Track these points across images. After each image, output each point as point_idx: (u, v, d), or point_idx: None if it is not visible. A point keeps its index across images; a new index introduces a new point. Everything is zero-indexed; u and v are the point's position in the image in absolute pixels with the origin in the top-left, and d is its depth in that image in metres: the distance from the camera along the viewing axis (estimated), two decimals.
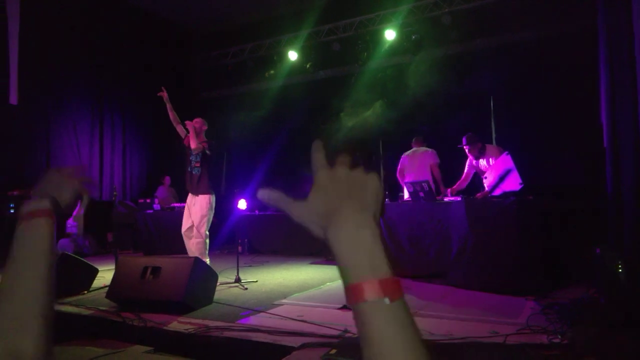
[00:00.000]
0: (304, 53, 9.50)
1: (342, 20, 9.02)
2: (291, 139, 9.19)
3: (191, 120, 5.53)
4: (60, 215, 0.87)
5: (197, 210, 5.43)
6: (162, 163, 9.89)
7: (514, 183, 4.54)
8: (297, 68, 9.64)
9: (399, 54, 8.62)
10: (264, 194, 0.63)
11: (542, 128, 7.07)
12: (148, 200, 8.33)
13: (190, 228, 5.47)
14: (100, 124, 9.24)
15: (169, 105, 5.63)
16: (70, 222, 8.23)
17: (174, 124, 5.67)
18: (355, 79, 8.86)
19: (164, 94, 5.59)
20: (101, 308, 3.88)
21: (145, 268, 3.90)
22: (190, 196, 5.55)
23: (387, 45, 8.64)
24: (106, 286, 4.24)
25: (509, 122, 7.42)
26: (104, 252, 8.19)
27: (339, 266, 0.56)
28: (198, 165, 5.49)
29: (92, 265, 4.86)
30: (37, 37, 7.64)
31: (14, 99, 7.42)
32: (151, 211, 8.12)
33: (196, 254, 5.23)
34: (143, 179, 9.95)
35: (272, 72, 9.96)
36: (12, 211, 7.24)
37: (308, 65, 9.56)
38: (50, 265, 0.78)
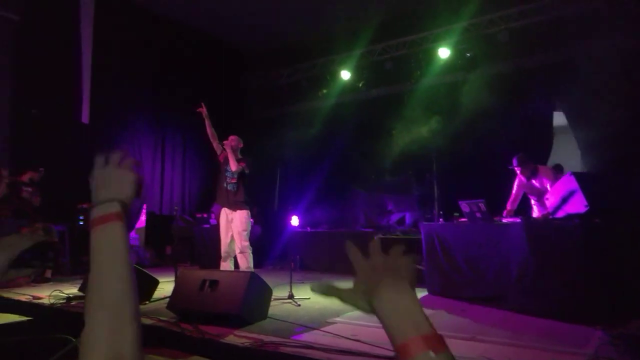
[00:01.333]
0: (356, 72, 9.59)
1: (395, 39, 9.05)
2: (343, 157, 9.25)
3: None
4: (127, 214, 0.84)
5: (237, 225, 5.50)
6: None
7: (578, 205, 4.34)
8: (349, 87, 9.73)
9: (453, 72, 8.53)
10: (314, 287, 0.73)
11: (608, 146, 6.71)
12: (205, 215, 8.60)
13: (230, 244, 5.54)
14: (162, 142, 9.68)
15: (207, 121, 5.78)
16: (132, 234, 8.63)
17: (211, 139, 5.81)
18: (407, 97, 8.83)
19: (203, 110, 5.77)
20: (162, 318, 4.02)
21: (204, 281, 4.02)
22: (226, 211, 5.59)
23: (440, 63, 8.58)
24: (166, 297, 4.40)
25: (569, 140, 7.14)
26: (162, 264, 8.50)
27: (386, 331, 0.65)
28: (234, 181, 5.60)
29: (153, 277, 5.06)
30: (106, 61, 8.16)
31: (85, 118, 7.93)
32: (208, 226, 8.37)
33: (245, 268, 5.38)
34: (200, 195, 10.29)
35: (325, 91, 10.11)
36: (81, 223, 7.69)
37: (360, 84, 9.64)
38: (130, 269, 0.77)
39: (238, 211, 5.53)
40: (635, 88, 6.48)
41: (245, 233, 5.50)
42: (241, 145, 5.77)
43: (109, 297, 0.73)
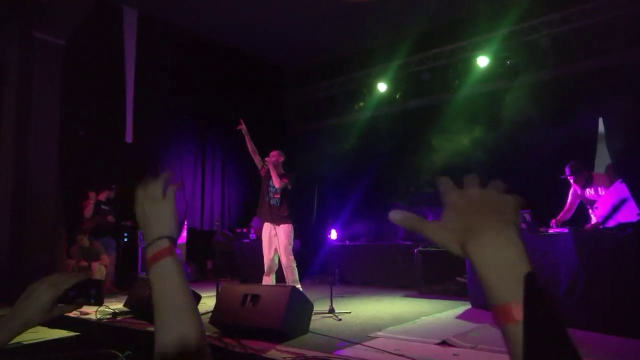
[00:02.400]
0: (393, 84, 9.55)
1: (432, 50, 8.97)
2: (381, 169, 9.18)
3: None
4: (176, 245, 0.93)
5: (282, 239, 5.54)
6: (258, 194, 10.32)
7: (630, 214, 4.15)
8: (386, 99, 9.69)
9: (493, 81, 8.35)
10: (396, 214, 0.64)
11: None
12: (245, 230, 8.70)
13: (273, 259, 5.59)
14: (203, 158, 9.89)
15: (247, 137, 5.91)
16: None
17: (252, 154, 5.91)
18: (446, 108, 8.71)
19: (243, 127, 5.91)
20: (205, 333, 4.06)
21: (245, 296, 4.04)
22: (269, 226, 5.64)
23: (479, 72, 8.42)
24: (208, 312, 4.45)
25: (617, 145, 6.84)
26: (203, 278, 8.64)
27: (482, 283, 0.54)
28: (278, 196, 5.65)
29: (196, 292, 5.13)
30: (148, 81, 8.43)
31: (129, 137, 8.21)
32: (247, 240, 8.45)
33: (291, 282, 5.39)
34: (240, 210, 10.42)
35: (361, 104, 10.10)
36: (126, 239, 7.93)
37: (397, 96, 9.58)
38: (189, 295, 0.85)
39: (282, 225, 5.57)
40: None
41: (290, 247, 5.55)
42: (282, 159, 5.83)
43: (177, 330, 0.81)
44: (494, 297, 0.53)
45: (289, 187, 5.65)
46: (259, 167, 5.88)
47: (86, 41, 7.54)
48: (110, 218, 7.57)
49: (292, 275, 5.50)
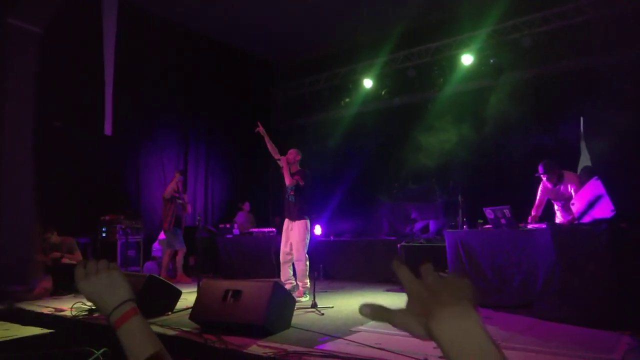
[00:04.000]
0: (379, 80, 9.57)
1: (417, 47, 9.01)
2: (366, 165, 9.21)
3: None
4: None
5: (295, 235, 5.74)
6: (242, 190, 10.28)
7: (605, 210, 4.23)
8: (372, 95, 9.71)
9: (477, 79, 8.43)
10: (364, 309, 0.67)
11: (620, 155, 6.51)
12: (228, 225, 8.65)
13: (288, 253, 5.77)
14: (185, 153, 9.81)
15: (266, 138, 6.03)
16: (155, 245, 8.73)
17: (273, 154, 6.05)
18: (431, 105, 8.77)
19: (261, 129, 6.01)
20: (184, 329, 4.04)
21: (227, 291, 4.02)
22: (287, 222, 5.85)
23: (464, 70, 8.49)
24: (189, 308, 4.42)
25: (597, 145, 6.96)
26: (186, 275, 8.56)
27: (446, 358, 0.57)
28: (293, 193, 5.82)
29: (176, 288, 5.10)
30: (129, 73, 8.27)
31: (109, 130, 8.07)
32: (231, 236, 8.41)
33: (300, 276, 5.68)
34: (224, 205, 10.37)
35: (347, 100, 10.11)
36: (104, 235, 7.81)
37: (383, 92, 9.61)
38: (158, 341, 0.93)
39: (297, 221, 5.76)
40: None
41: (302, 243, 5.71)
42: (299, 157, 5.99)
43: None
44: None
45: (300, 183, 5.78)
46: (280, 165, 5.99)
47: (64, 29, 7.23)
48: (188, 208, 7.85)
49: (301, 272, 5.69)
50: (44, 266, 6.43)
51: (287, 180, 5.81)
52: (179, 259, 7.82)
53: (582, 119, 7.38)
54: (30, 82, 6.89)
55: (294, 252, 5.74)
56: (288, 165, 5.84)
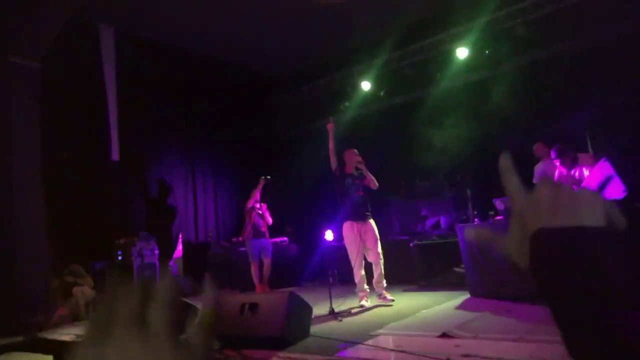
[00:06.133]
0: (377, 82, 9.56)
1: (412, 45, 9.01)
2: (372, 166, 9.16)
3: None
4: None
5: (373, 235, 5.55)
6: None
7: (617, 191, 4.18)
8: (371, 97, 9.70)
9: (473, 71, 8.40)
10: (469, 232, 0.58)
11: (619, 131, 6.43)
12: (240, 239, 8.66)
13: (362, 259, 5.57)
14: (192, 171, 9.84)
15: (331, 136, 5.91)
16: (171, 264, 8.76)
17: (331, 154, 5.89)
18: (430, 101, 8.74)
19: (331, 125, 5.96)
20: None
21: (243, 305, 4.02)
22: (356, 225, 5.56)
23: (460, 64, 8.47)
24: None
25: (606, 125, 6.89)
26: (202, 292, 8.58)
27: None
28: (362, 194, 5.67)
29: (194, 305, 5.10)
30: (131, 97, 8.37)
31: (115, 155, 8.15)
32: (244, 249, 8.41)
33: (382, 278, 5.53)
34: (234, 219, 10.37)
35: (347, 104, 10.11)
36: (120, 258, 7.85)
37: (382, 93, 9.60)
38: None
39: (370, 221, 5.64)
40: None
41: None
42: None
43: None
44: None
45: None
46: (333, 167, 5.83)
47: (63, 62, 7.40)
48: (268, 217, 7.58)
49: (380, 269, 5.52)
50: (60, 294, 6.47)
51: (374, 185, 5.65)
52: (265, 271, 7.50)
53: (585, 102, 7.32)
54: (34, 116, 7.00)
55: (373, 253, 5.50)
56: (364, 167, 5.68)
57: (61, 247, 7.09)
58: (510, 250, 0.52)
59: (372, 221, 5.60)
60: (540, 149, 5.98)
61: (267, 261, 7.42)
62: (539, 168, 6.03)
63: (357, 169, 5.72)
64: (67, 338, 5.04)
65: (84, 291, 6.72)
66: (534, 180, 5.66)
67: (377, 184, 5.65)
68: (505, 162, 0.55)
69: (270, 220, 7.53)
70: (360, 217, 5.56)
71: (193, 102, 9.67)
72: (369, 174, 5.64)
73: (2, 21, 6.73)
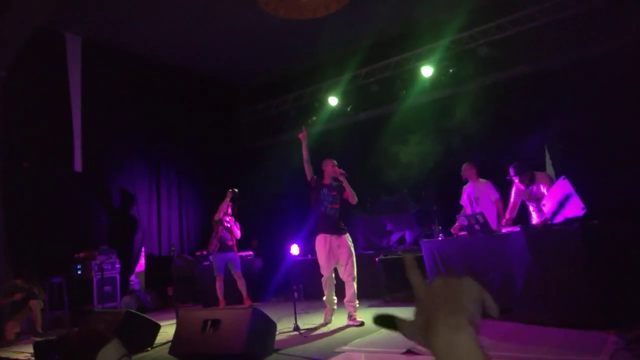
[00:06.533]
0: (344, 97, 9.67)
1: (379, 62, 9.16)
2: (337, 181, 9.21)
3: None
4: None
5: (346, 250, 5.24)
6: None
7: (575, 208, 4.32)
8: (338, 112, 9.79)
9: (438, 89, 8.61)
10: (377, 319, 0.68)
11: (602, 146, 6.67)
12: (205, 252, 8.51)
13: (331, 273, 5.32)
14: (157, 182, 9.64)
15: (304, 144, 5.57)
16: (132, 278, 8.51)
17: (305, 163, 5.56)
18: (395, 117, 8.88)
19: (303, 134, 5.61)
20: None
21: (205, 321, 3.94)
22: (329, 238, 5.28)
23: (425, 82, 8.66)
24: (169, 342, 4.30)
25: (563, 144, 7.15)
26: (165, 306, 8.37)
27: None
28: (338, 207, 5.36)
29: (154, 322, 4.96)
30: (95, 107, 8.20)
31: (78, 166, 7.92)
32: (208, 263, 8.26)
33: (353, 297, 5.26)
34: (199, 232, 10.20)
35: (314, 118, 10.15)
36: (79, 272, 7.57)
37: (349, 109, 9.70)
38: None
39: (344, 236, 5.33)
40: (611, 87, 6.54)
41: (353, 258, 5.34)
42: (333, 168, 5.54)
43: None
44: None
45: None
46: (309, 177, 5.52)
47: (29, 70, 7.32)
48: (238, 229, 7.29)
49: (353, 288, 5.24)
50: (8, 309, 6.18)
51: (353, 200, 5.33)
52: (241, 286, 7.21)
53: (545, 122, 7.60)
54: None
55: (346, 270, 5.22)
56: (344, 178, 5.36)
57: (17, 259, 6.83)
58: (412, 333, 0.63)
59: (347, 236, 5.33)
60: (468, 170, 6.15)
61: (237, 275, 7.22)
62: (466, 189, 6.22)
63: (336, 180, 5.47)
64: (22, 357, 4.81)
65: (40, 304, 6.46)
66: (461, 202, 5.83)
67: (356, 199, 5.37)
68: (409, 260, 0.68)
69: (238, 233, 7.34)
70: (334, 230, 5.29)
71: (159, 112, 9.51)
72: (349, 187, 5.34)
73: None
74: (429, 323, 0.59)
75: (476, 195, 6.07)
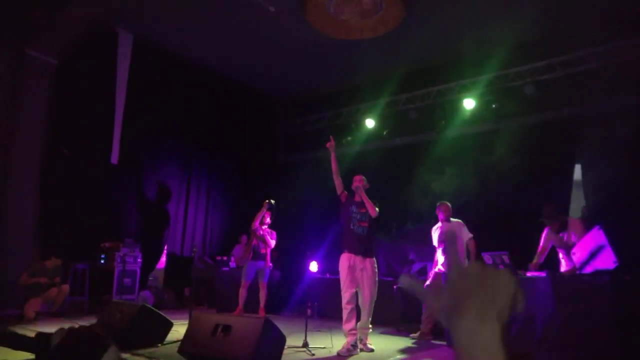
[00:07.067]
0: (381, 120, 9.66)
1: (420, 90, 9.13)
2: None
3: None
4: None
5: (371, 275, 4.99)
6: (241, 223, 10.23)
7: (607, 261, 4.17)
8: (373, 135, 9.78)
9: (478, 123, 8.48)
10: (405, 280, 0.71)
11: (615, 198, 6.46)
12: (225, 258, 8.57)
13: (353, 296, 5.03)
14: (188, 184, 9.82)
15: (333, 155, 5.40)
16: (152, 274, 8.64)
17: (334, 175, 5.36)
18: (431, 147, 8.80)
19: (332, 143, 5.47)
20: None
21: (217, 325, 3.95)
22: (354, 258, 5.02)
23: (465, 114, 8.56)
24: (179, 340, 4.33)
25: (600, 192, 6.93)
26: (180, 306, 8.44)
27: (456, 356, 0.59)
28: (367, 225, 5.10)
29: (167, 319, 5.01)
30: (138, 104, 8.45)
31: (115, 159, 8.15)
32: (227, 269, 8.32)
33: (368, 321, 5.07)
34: (222, 237, 10.30)
35: (349, 138, 10.17)
36: (102, 262, 7.74)
37: (385, 132, 9.67)
38: None
39: (370, 259, 5.08)
40: None
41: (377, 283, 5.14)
42: (368, 186, 5.36)
43: None
44: None
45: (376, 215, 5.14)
46: (339, 191, 5.32)
47: (80, 61, 7.59)
48: (274, 238, 7.40)
49: (369, 314, 5.01)
50: (32, 289, 6.35)
51: (372, 211, 5.02)
52: (261, 296, 7.25)
53: (578, 166, 7.40)
54: (42, 109, 7.12)
55: (364, 296, 4.94)
56: (365, 193, 5.13)
57: (46, 242, 7.04)
58: (435, 306, 0.64)
59: (373, 260, 5.06)
60: (447, 210, 6.13)
61: (262, 284, 7.22)
62: (437, 230, 6.14)
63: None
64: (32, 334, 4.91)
65: (64, 288, 6.63)
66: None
67: (377, 211, 5.05)
68: (406, 281, 0.72)
69: (272, 243, 7.33)
70: (359, 250, 5.01)
71: (198, 116, 9.73)
72: (367, 198, 5.07)
73: (24, 14, 6.89)
74: (456, 305, 0.60)
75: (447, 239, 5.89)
